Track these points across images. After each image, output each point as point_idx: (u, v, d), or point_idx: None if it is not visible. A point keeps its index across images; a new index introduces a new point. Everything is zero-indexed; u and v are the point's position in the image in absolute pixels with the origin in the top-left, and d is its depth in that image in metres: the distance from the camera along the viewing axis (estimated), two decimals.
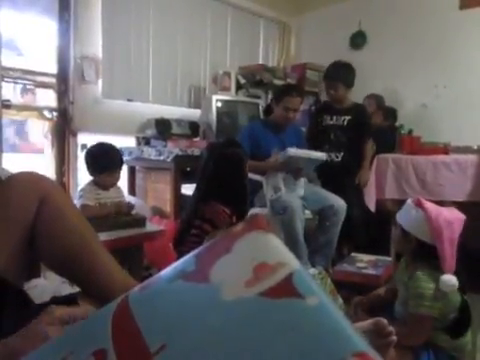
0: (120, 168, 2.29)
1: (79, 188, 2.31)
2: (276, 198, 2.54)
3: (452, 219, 1.55)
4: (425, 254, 1.56)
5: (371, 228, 3.01)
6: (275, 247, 0.42)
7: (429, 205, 1.57)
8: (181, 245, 1.87)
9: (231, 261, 0.41)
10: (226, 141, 2.08)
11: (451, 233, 1.52)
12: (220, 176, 1.85)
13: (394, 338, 0.85)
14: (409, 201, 1.63)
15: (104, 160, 2.18)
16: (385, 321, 0.86)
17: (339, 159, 3.13)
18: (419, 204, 1.58)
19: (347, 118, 3.14)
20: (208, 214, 1.80)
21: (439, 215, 1.54)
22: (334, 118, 3.20)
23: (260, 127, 2.88)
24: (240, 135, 2.85)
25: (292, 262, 0.40)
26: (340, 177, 3.05)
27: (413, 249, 1.58)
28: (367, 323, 0.87)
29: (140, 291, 0.44)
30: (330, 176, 3.10)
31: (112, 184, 2.25)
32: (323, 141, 3.22)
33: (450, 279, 1.46)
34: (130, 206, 2.21)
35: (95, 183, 2.21)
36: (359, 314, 1.66)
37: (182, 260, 0.45)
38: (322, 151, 3.02)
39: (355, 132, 3.10)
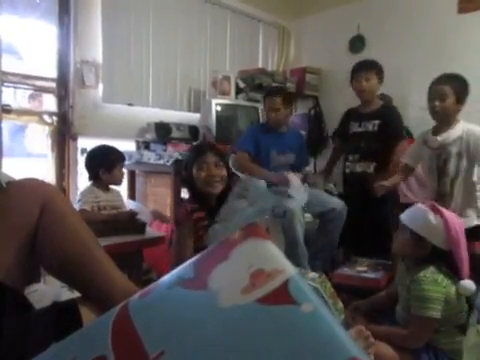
0: (124, 161, 2.35)
1: (79, 192, 2.33)
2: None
3: (461, 225, 1.58)
4: (436, 259, 1.56)
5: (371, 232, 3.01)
6: (271, 254, 0.43)
7: (446, 212, 1.58)
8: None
9: (228, 268, 0.42)
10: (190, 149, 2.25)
11: (464, 239, 1.56)
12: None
13: (372, 340, 0.98)
14: (422, 206, 1.62)
15: (112, 156, 2.23)
16: (362, 327, 0.97)
17: (371, 170, 2.75)
18: (437, 210, 1.58)
19: (377, 122, 2.78)
20: (175, 215, 1.92)
21: (455, 222, 1.55)
22: (362, 124, 2.82)
23: (260, 129, 2.93)
24: (244, 136, 2.93)
25: (288, 269, 0.41)
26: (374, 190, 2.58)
27: (426, 254, 1.58)
28: (350, 333, 0.97)
29: (140, 298, 0.45)
30: (363, 190, 2.63)
31: (122, 179, 2.29)
32: (351, 151, 2.87)
33: (470, 284, 1.50)
34: (132, 213, 2.22)
35: (95, 185, 2.22)
36: (357, 319, 1.66)
37: (181, 267, 0.46)
38: (352, 162, 2.83)
39: (387, 138, 2.74)
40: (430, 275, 1.51)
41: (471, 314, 1.58)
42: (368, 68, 2.78)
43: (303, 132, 4.14)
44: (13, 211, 0.82)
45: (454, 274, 1.55)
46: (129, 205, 2.60)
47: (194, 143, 3.30)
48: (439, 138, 2.23)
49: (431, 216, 1.56)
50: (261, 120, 3.59)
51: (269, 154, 2.78)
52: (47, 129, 3.13)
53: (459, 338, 1.54)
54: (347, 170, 2.88)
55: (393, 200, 2.80)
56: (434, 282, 1.49)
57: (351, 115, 2.95)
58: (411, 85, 3.88)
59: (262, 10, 4.44)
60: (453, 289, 1.52)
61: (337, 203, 2.65)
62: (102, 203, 2.20)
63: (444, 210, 1.59)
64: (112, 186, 2.32)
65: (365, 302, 1.83)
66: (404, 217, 1.64)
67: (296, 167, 2.89)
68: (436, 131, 2.27)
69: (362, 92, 2.81)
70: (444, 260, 1.56)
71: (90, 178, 2.26)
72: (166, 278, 0.45)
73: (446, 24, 3.68)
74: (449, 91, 2.19)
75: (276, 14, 4.59)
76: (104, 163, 2.20)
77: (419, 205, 1.64)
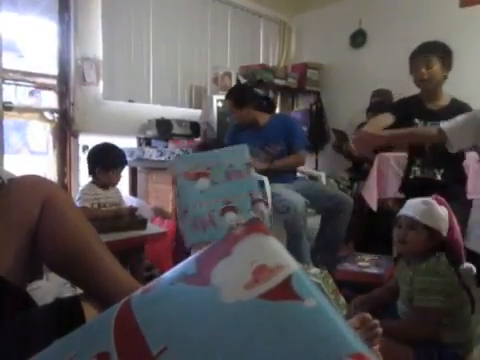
0: (124, 167, 2.33)
1: (79, 189, 2.33)
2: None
3: None
4: (436, 249, 1.58)
5: (373, 227, 3.01)
6: (274, 250, 0.42)
7: (445, 202, 1.60)
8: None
9: (231, 264, 0.42)
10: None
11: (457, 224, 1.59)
12: None
13: (380, 329, 0.91)
14: (429, 200, 1.60)
15: (112, 157, 2.23)
16: (368, 315, 0.92)
17: (439, 177, 2.25)
18: (441, 202, 1.59)
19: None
20: None
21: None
22: (428, 124, 2.26)
23: (238, 129, 2.93)
24: (225, 140, 2.96)
25: (291, 264, 0.41)
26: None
27: (436, 246, 1.59)
28: (352, 321, 0.92)
29: (142, 294, 0.45)
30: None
31: (116, 182, 2.28)
32: (416, 153, 2.33)
33: (471, 267, 1.52)
34: (132, 210, 2.22)
35: (94, 183, 2.23)
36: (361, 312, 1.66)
37: (183, 263, 0.46)
38: (413, 167, 2.36)
39: None
40: (433, 267, 1.52)
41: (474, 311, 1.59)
42: (428, 51, 2.30)
43: (304, 128, 4.13)
44: (14, 208, 0.82)
45: (453, 262, 1.56)
46: (130, 201, 2.61)
47: (197, 140, 3.30)
48: None
49: (440, 209, 1.57)
50: None
51: (251, 150, 2.76)
52: (48, 126, 3.13)
53: (462, 332, 1.54)
54: (411, 175, 2.37)
55: None
56: (437, 273, 1.50)
57: (414, 110, 2.35)
58: (412, 79, 3.87)
59: (263, 5, 4.42)
60: (455, 279, 1.53)
61: (343, 197, 2.63)
62: (102, 200, 2.20)
63: (443, 200, 1.61)
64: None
65: (364, 297, 1.82)
66: (413, 213, 1.60)
67: (290, 153, 2.81)
68: None
69: (422, 81, 2.31)
70: (443, 249, 1.58)
71: (89, 173, 2.26)
72: (168, 274, 0.45)
73: (448, 18, 3.66)
74: None
75: (277, 9, 4.58)
76: (102, 162, 2.20)
77: (424, 199, 1.63)
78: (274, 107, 3.32)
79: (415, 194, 2.08)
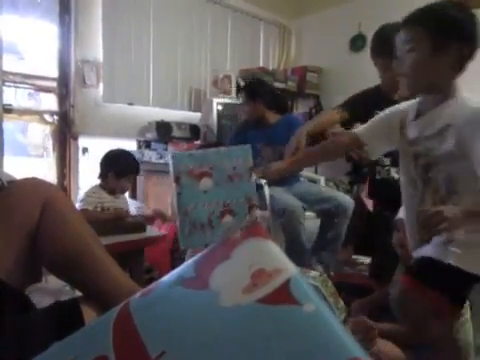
0: (135, 175, 2.34)
1: (83, 191, 2.32)
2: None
3: None
4: None
5: (372, 230, 3.00)
6: (272, 253, 0.42)
7: None
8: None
9: (229, 268, 0.42)
10: None
11: None
12: None
13: (376, 330, 0.93)
14: None
15: (127, 164, 2.23)
16: (364, 318, 0.92)
17: None
18: None
19: None
20: None
21: None
22: None
23: (245, 126, 2.93)
24: (229, 139, 2.95)
25: (289, 268, 0.41)
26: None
27: None
28: (348, 327, 0.93)
29: (141, 298, 0.45)
30: (395, 201, 1.72)
31: (125, 190, 2.29)
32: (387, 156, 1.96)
33: None
34: (129, 214, 2.23)
35: (102, 187, 2.22)
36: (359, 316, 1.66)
37: (182, 266, 0.46)
38: (383, 166, 2.06)
39: None
40: None
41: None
42: (377, 54, 2.00)
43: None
44: (14, 210, 0.82)
45: None
46: (130, 204, 2.60)
47: (197, 143, 3.30)
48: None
49: None
50: None
51: (255, 147, 2.78)
52: (48, 128, 3.13)
53: (458, 336, 1.54)
54: (378, 176, 2.09)
55: None
56: None
57: (377, 103, 1.87)
58: None
59: (263, 9, 4.43)
60: None
61: (342, 197, 2.60)
62: (106, 204, 2.19)
63: None
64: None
65: (364, 300, 1.82)
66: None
67: None
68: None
69: (387, 86, 1.99)
70: None
71: (99, 177, 2.25)
72: (167, 277, 0.45)
73: None
74: None
75: (277, 13, 4.59)
76: (116, 167, 2.20)
77: None
78: (286, 108, 3.34)
79: (381, 197, 2.04)
